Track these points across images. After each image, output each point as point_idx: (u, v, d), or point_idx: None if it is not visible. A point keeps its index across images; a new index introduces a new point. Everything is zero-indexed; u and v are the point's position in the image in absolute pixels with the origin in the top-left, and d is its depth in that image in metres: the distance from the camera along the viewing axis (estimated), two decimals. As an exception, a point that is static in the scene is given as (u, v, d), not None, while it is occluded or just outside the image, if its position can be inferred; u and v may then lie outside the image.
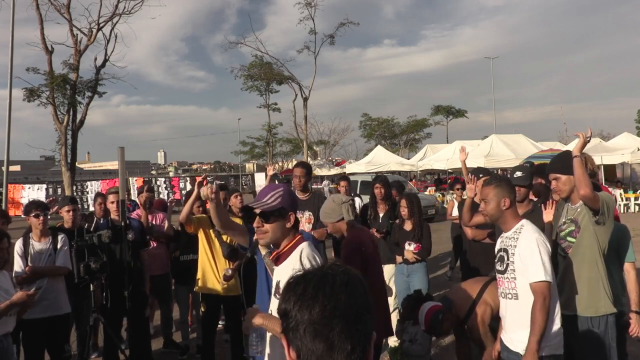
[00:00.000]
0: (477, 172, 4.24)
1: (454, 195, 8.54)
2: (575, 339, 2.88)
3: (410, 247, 4.68)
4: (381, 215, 5.26)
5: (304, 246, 2.12)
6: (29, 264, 3.93)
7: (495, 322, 3.39)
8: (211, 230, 4.37)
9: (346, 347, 0.91)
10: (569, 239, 2.99)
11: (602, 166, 18.19)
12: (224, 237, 4.38)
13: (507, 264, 2.67)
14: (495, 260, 2.83)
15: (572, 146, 3.17)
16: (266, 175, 5.07)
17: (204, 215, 4.54)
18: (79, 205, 5.21)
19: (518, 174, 3.59)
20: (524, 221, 2.70)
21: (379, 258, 3.50)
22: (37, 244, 4.02)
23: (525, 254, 2.55)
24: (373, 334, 0.99)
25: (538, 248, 2.51)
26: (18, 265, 3.91)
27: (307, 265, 2.01)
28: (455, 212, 8.01)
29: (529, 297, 2.53)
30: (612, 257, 3.16)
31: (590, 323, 2.85)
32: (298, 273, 1.03)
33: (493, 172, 4.93)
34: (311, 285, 0.96)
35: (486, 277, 3.63)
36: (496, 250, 2.86)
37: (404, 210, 4.76)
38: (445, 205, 18.47)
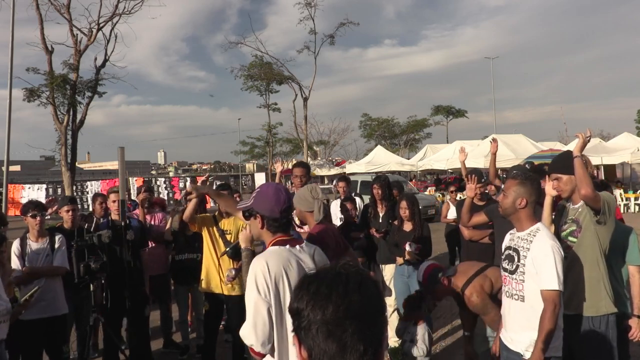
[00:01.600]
0: (473, 173, 4.25)
1: (449, 198, 8.48)
2: (576, 339, 2.88)
3: (411, 248, 4.68)
4: (381, 215, 5.26)
5: (263, 254, 2.10)
6: (26, 264, 3.92)
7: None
8: (215, 229, 4.36)
9: (359, 348, 0.91)
10: (570, 238, 2.99)
11: (602, 166, 18.22)
12: (228, 237, 4.38)
13: (517, 266, 2.63)
14: (503, 258, 2.80)
15: (573, 146, 3.16)
16: (275, 173, 5.06)
17: (207, 214, 4.53)
18: (79, 205, 5.20)
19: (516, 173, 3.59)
20: (540, 225, 2.66)
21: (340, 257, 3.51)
22: (35, 244, 4.00)
23: (539, 259, 2.51)
24: (386, 335, 0.98)
25: (553, 255, 2.47)
26: (15, 265, 3.89)
27: (248, 279, 2.01)
28: (450, 215, 7.86)
29: (535, 301, 2.51)
30: (617, 258, 3.16)
31: (591, 323, 2.85)
32: (311, 272, 1.03)
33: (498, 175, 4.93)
34: (324, 285, 0.96)
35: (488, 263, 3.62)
36: (503, 246, 2.83)
37: (404, 212, 4.75)
38: (444, 206, 18.44)
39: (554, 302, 2.44)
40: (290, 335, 1.87)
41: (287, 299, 1.94)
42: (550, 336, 2.45)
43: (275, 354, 1.99)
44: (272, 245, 2.14)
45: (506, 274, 2.74)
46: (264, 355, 1.99)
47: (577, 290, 2.89)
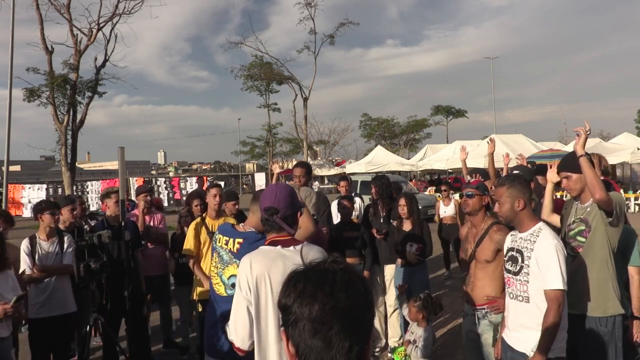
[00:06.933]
0: (477, 172, 4.25)
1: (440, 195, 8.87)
2: (582, 339, 2.86)
3: (411, 249, 4.67)
4: (382, 215, 5.23)
5: (250, 254, 2.13)
6: (37, 262, 3.94)
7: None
8: (204, 230, 4.31)
9: (344, 345, 0.92)
10: (578, 238, 2.97)
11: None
12: None
13: (522, 267, 2.62)
14: (505, 259, 2.78)
15: (572, 146, 3.14)
16: (272, 174, 5.04)
17: (198, 219, 4.50)
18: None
19: (517, 173, 3.59)
20: (542, 224, 2.64)
21: None
22: (45, 244, 4.05)
23: (543, 259, 2.49)
24: (372, 331, 0.99)
25: (557, 255, 2.46)
26: (25, 264, 3.93)
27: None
28: (446, 212, 8.43)
29: (541, 301, 2.50)
30: (617, 259, 3.15)
31: (598, 323, 2.83)
32: (299, 269, 1.03)
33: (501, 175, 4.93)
34: (311, 283, 0.97)
35: None
36: (506, 248, 2.81)
37: (402, 209, 4.73)
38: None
39: (558, 301, 2.43)
40: (272, 334, 1.95)
41: (268, 300, 1.98)
42: (554, 335, 2.43)
43: (256, 351, 2.01)
44: (266, 245, 2.14)
45: (509, 275, 2.71)
46: (244, 352, 2.05)
47: (585, 290, 2.87)
